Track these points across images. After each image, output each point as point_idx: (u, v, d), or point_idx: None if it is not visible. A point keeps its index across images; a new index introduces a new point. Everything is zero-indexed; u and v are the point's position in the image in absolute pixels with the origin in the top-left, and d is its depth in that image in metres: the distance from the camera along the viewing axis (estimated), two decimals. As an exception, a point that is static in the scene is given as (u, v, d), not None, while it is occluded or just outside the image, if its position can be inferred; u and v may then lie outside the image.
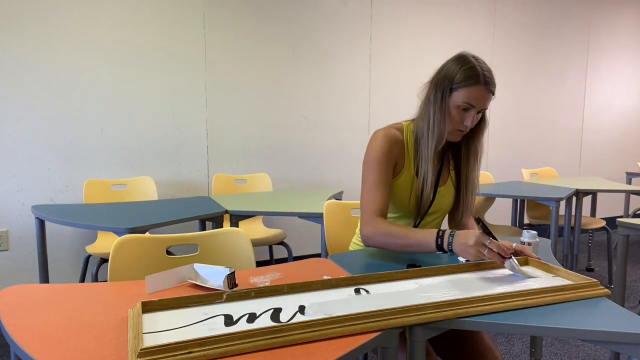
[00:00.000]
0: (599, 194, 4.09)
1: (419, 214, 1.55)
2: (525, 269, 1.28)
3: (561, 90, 4.72)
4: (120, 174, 3.05)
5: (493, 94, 1.44)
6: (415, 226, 1.58)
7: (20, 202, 2.82)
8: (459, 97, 1.42)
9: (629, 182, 4.48)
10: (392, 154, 1.48)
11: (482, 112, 1.46)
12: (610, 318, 0.96)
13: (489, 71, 1.43)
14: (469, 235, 1.27)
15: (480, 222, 1.30)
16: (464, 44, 4.10)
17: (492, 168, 4.40)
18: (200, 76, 3.24)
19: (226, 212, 2.36)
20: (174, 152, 3.20)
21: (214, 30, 3.24)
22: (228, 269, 1.14)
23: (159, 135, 3.15)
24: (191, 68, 3.20)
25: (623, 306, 1.03)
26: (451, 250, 1.30)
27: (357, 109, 3.79)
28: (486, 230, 1.27)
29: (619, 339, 0.90)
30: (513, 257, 1.25)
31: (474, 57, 1.45)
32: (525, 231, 1.45)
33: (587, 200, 4.05)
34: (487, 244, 1.24)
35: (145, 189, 2.98)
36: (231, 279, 1.13)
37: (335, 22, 3.63)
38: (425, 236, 1.34)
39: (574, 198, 3.20)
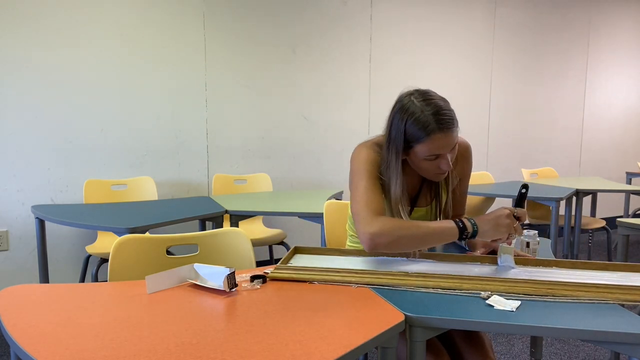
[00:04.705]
0: (599, 194, 4.09)
1: None
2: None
3: (561, 90, 4.72)
4: (120, 174, 3.05)
5: (456, 128, 1.29)
6: None
7: (20, 202, 2.82)
8: (420, 152, 1.30)
9: (629, 182, 4.48)
10: (377, 167, 1.37)
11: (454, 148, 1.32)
12: (610, 318, 0.96)
13: (440, 108, 1.26)
14: (495, 211, 1.26)
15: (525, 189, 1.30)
16: (464, 44, 4.10)
17: (492, 168, 4.40)
18: (200, 76, 3.24)
19: (226, 212, 2.36)
20: (174, 152, 3.20)
21: (214, 30, 3.24)
22: (228, 269, 1.14)
23: (159, 135, 3.15)
24: (191, 68, 3.20)
25: (623, 306, 1.03)
26: (474, 235, 1.23)
27: (357, 109, 3.79)
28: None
29: (619, 339, 0.90)
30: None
31: (422, 95, 1.29)
32: (525, 231, 1.45)
33: (587, 200, 4.05)
34: (515, 213, 1.26)
35: (145, 189, 2.98)
36: (231, 279, 1.13)
37: (335, 22, 3.63)
38: (443, 224, 1.25)
39: (574, 198, 3.20)
